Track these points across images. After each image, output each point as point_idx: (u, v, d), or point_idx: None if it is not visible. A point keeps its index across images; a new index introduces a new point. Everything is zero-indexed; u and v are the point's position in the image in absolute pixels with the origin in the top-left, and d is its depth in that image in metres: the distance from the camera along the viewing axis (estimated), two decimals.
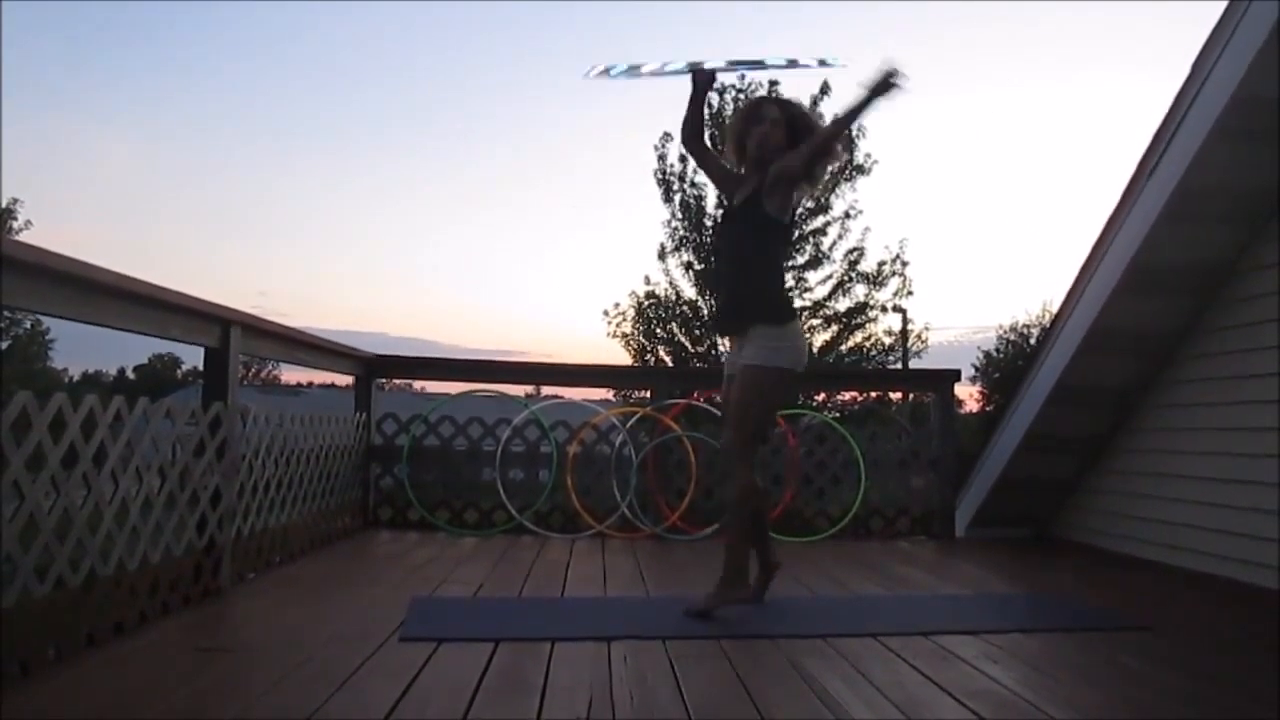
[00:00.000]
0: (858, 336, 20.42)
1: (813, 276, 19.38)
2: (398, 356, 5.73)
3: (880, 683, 2.36)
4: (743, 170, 3.38)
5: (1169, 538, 4.45)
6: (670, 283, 21.29)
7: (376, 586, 3.51)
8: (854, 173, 18.50)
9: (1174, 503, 4.46)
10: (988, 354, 36.11)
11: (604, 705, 2.14)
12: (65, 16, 75.45)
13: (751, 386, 3.10)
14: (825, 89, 17.83)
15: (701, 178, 21.16)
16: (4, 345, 33.46)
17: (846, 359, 19.66)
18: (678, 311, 21.24)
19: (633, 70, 3.33)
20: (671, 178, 21.31)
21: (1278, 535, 3.74)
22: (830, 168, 3.44)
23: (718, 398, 5.65)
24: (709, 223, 21.15)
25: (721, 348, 21.15)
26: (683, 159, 21.17)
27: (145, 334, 3.00)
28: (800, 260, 19.04)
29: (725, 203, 3.42)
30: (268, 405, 3.89)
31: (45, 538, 2.35)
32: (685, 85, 3.33)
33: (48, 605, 2.36)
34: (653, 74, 3.32)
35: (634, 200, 67.30)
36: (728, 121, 3.38)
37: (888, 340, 21.89)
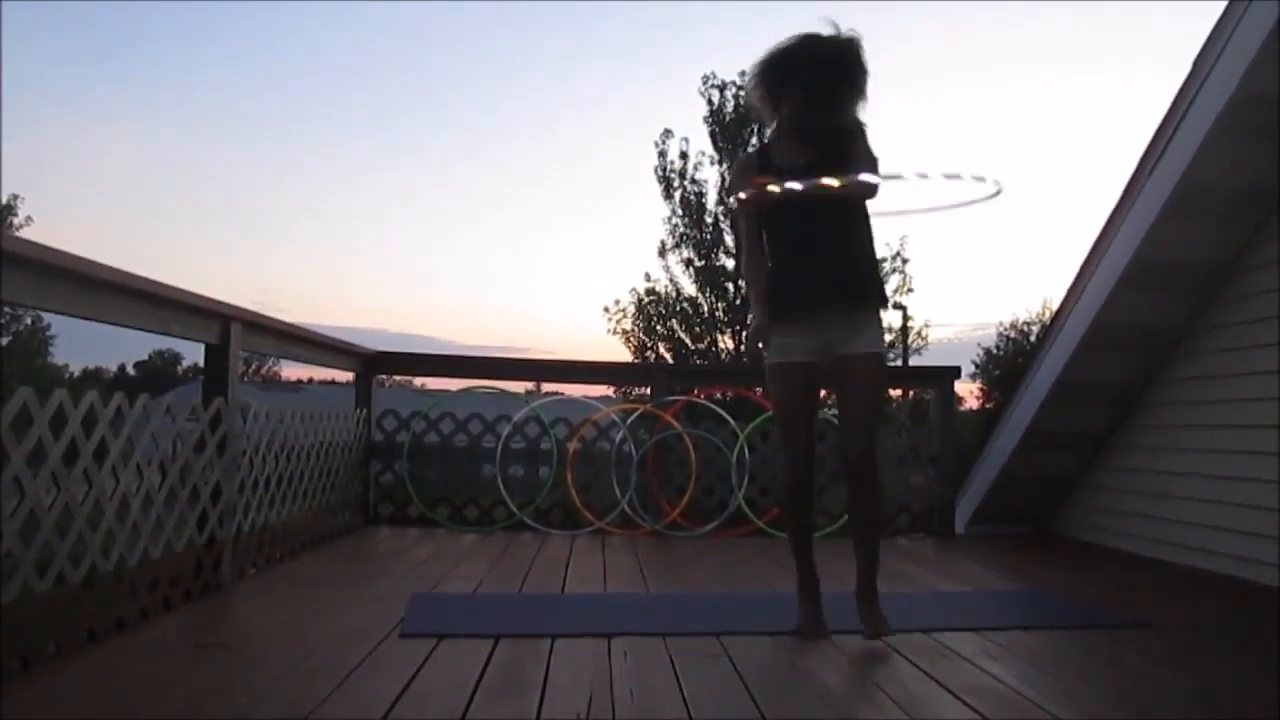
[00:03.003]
0: None
1: None
2: (398, 353, 5.73)
3: (880, 680, 2.36)
4: (786, 118, 2.82)
5: (1169, 535, 4.45)
6: (670, 279, 21.35)
7: (377, 583, 3.51)
8: None
9: (1174, 500, 4.46)
10: (988, 351, 36.08)
11: (604, 702, 2.14)
12: (66, 15, 75.39)
13: (883, 376, 2.90)
14: None
15: (701, 174, 21.16)
16: (4, 341, 33.46)
17: None
18: (678, 308, 21.26)
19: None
20: (672, 174, 21.36)
21: (1278, 532, 3.75)
22: None
23: (718, 394, 5.66)
24: (709, 219, 21.15)
25: (723, 345, 21.17)
26: (683, 155, 21.22)
27: (146, 330, 3.00)
28: None
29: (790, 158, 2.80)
30: (268, 401, 3.89)
31: (46, 533, 2.35)
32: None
33: (49, 601, 2.37)
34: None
35: (634, 197, 67.23)
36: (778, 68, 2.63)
37: (888, 337, 21.90)
